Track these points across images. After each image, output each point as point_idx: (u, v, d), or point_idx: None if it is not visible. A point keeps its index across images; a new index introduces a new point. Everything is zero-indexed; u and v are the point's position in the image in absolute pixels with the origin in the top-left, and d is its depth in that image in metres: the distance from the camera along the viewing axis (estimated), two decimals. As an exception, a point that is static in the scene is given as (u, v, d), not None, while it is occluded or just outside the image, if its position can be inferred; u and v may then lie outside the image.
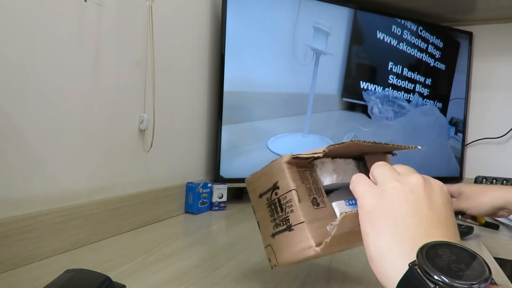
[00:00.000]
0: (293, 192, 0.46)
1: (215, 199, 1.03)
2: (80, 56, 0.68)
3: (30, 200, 0.60)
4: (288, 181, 0.47)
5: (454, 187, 0.84)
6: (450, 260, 0.28)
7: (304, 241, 0.44)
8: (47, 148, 0.63)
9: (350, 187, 0.40)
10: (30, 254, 0.58)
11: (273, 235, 0.48)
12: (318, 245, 0.42)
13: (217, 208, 1.03)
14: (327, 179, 0.49)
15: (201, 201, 0.99)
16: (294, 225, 0.45)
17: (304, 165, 0.49)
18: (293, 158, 0.48)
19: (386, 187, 0.36)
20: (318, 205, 0.46)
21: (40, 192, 0.62)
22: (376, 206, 0.35)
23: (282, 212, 0.47)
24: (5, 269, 0.55)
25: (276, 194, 0.49)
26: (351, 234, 0.44)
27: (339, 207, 0.47)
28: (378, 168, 0.39)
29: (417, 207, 0.34)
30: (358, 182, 0.39)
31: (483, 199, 0.78)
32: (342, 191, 0.50)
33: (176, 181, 0.97)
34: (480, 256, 0.29)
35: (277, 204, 0.48)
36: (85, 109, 0.70)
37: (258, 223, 0.51)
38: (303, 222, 0.44)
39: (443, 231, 0.32)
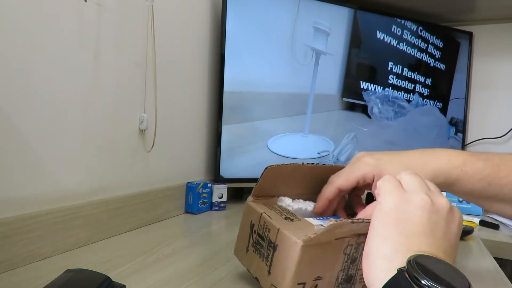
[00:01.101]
0: (263, 215, 0.48)
1: (215, 199, 1.03)
2: (80, 56, 0.68)
3: (30, 200, 0.60)
4: (257, 210, 0.50)
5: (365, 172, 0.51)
6: (437, 271, 0.29)
7: (288, 244, 0.43)
8: (47, 148, 0.63)
9: (378, 183, 0.39)
10: (30, 254, 0.58)
11: (269, 272, 0.46)
12: (300, 238, 0.42)
13: (217, 208, 1.03)
14: (291, 207, 0.53)
15: (201, 201, 0.99)
16: (275, 240, 0.45)
17: (270, 203, 0.53)
18: (255, 197, 0.53)
19: (415, 196, 0.36)
20: (292, 220, 0.47)
21: (40, 192, 0.62)
22: (397, 208, 0.35)
23: (264, 241, 0.48)
24: (5, 269, 0.55)
25: (254, 232, 0.50)
26: (328, 256, 0.44)
27: (312, 221, 0.48)
28: (410, 176, 0.39)
29: (435, 228, 0.34)
30: (389, 181, 0.38)
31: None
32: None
33: (176, 181, 0.97)
34: (465, 276, 0.30)
35: (259, 240, 0.49)
36: (85, 109, 0.70)
37: (257, 279, 0.49)
38: (279, 228, 0.45)
39: (445, 257, 0.33)
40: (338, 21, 1.26)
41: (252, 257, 0.50)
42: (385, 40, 1.35)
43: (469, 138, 1.54)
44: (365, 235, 0.41)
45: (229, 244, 0.73)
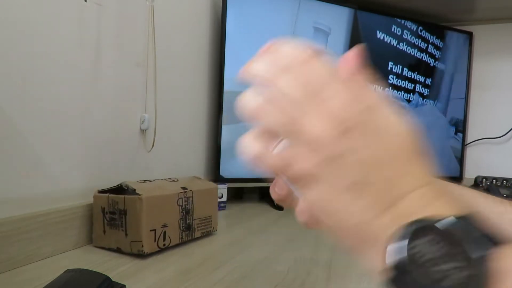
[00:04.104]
0: (110, 195, 0.65)
1: (215, 199, 1.03)
2: (81, 56, 0.68)
3: (30, 200, 0.60)
4: (103, 195, 0.67)
5: None
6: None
7: (134, 203, 0.61)
8: (47, 148, 0.63)
9: None
10: (30, 254, 0.58)
11: (126, 234, 0.62)
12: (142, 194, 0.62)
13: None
14: None
15: (201, 201, 0.99)
16: (124, 207, 0.63)
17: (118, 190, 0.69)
18: (99, 192, 0.68)
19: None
20: (144, 182, 0.73)
21: (40, 192, 0.62)
22: None
23: (116, 214, 0.64)
24: (5, 269, 0.55)
25: (106, 213, 0.66)
26: None
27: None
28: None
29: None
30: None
31: None
32: None
33: (176, 181, 0.97)
34: None
35: (112, 216, 0.65)
36: (86, 109, 0.70)
37: (118, 248, 0.65)
38: (124, 196, 0.63)
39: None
40: (338, 21, 1.26)
41: (110, 234, 0.63)
42: (385, 40, 1.35)
43: (469, 138, 1.54)
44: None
45: (229, 244, 0.73)
